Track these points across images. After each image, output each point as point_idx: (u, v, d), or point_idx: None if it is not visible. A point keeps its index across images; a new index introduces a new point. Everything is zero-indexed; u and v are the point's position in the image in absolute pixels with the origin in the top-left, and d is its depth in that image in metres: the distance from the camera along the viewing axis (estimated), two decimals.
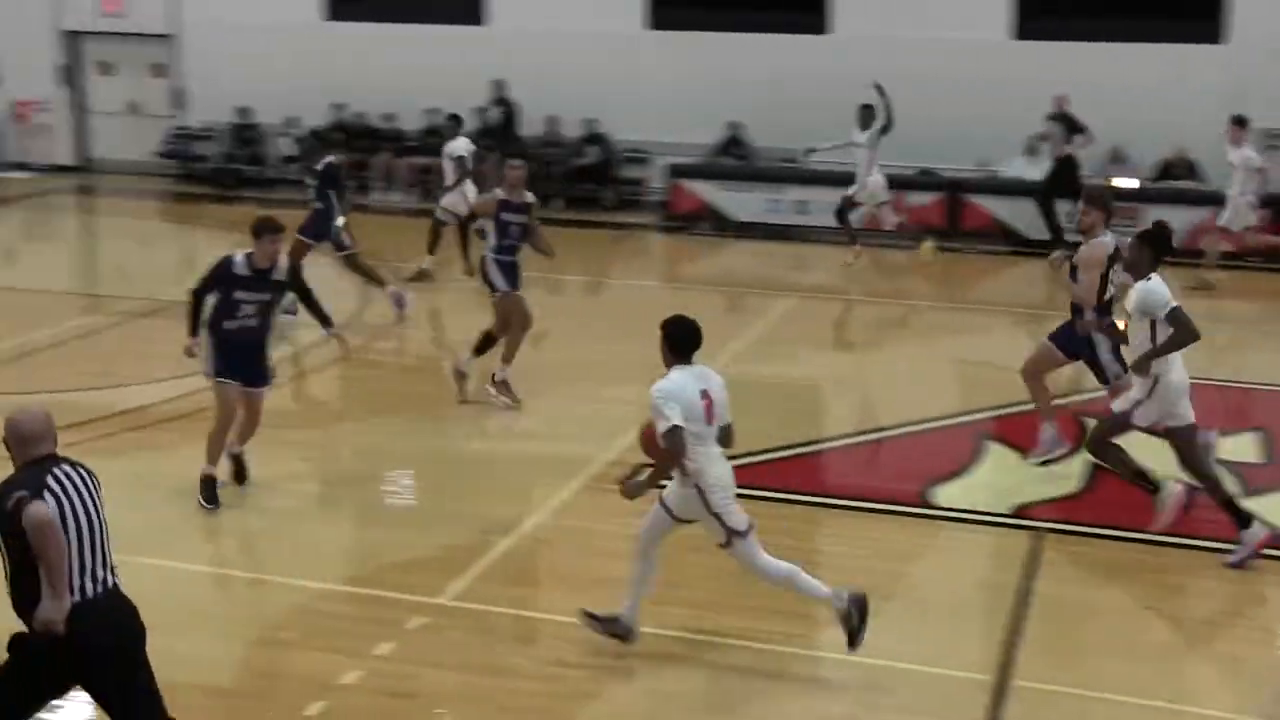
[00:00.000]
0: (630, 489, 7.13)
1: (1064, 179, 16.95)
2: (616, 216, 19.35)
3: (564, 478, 9.69)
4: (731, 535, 7.03)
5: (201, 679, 6.97)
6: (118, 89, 22.56)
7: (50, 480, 5.34)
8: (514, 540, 8.75)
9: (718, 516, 6.98)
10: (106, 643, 5.43)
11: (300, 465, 10.19)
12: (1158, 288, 8.32)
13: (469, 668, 7.17)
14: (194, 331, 9.06)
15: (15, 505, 5.20)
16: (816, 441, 10.75)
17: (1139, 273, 8.45)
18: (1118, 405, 8.68)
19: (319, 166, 13.80)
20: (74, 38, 22.41)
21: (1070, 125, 17.33)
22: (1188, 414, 8.42)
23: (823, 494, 9.75)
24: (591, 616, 7.30)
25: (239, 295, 8.91)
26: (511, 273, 11.35)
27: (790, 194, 18.51)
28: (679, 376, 6.91)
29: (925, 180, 18.30)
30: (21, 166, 22.21)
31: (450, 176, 15.83)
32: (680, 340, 7.00)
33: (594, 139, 19.83)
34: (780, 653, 7.37)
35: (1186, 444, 8.46)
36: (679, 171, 19.12)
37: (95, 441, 10.26)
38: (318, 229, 13.59)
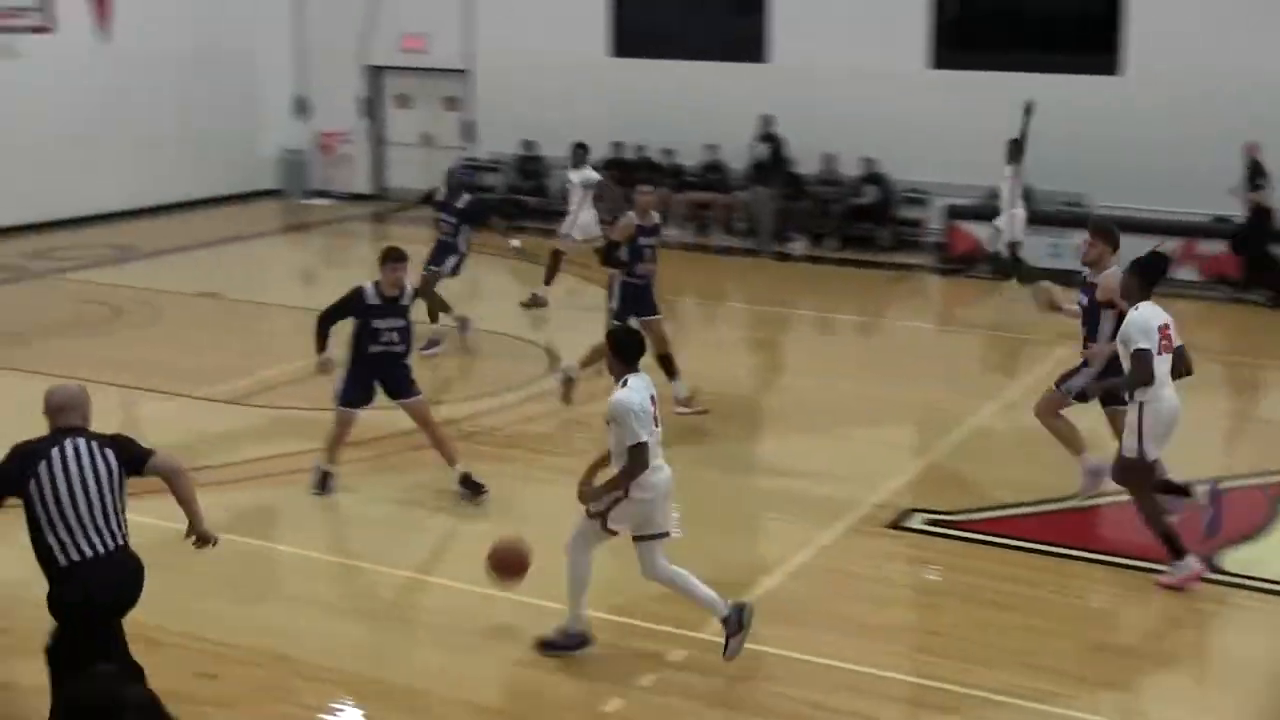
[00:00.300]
0: (590, 496, 7.42)
1: (1262, 228, 16.60)
2: (893, 257, 19.16)
3: (830, 518, 9.62)
4: (648, 534, 7.38)
5: (466, 695, 7.19)
6: (413, 121, 23.60)
7: (56, 448, 6.03)
8: (777, 579, 8.73)
9: (640, 515, 7.33)
10: (104, 598, 6.03)
11: (566, 491, 10.39)
12: (1141, 319, 8.41)
13: (729, 704, 7.17)
14: (322, 348, 9.74)
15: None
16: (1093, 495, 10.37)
17: (1132, 299, 8.58)
18: (1127, 453, 8.59)
19: (461, 204, 14.07)
20: (376, 72, 23.56)
21: (1255, 172, 16.62)
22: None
23: (1100, 550, 9.38)
24: (547, 645, 7.54)
25: (376, 323, 9.58)
26: (640, 297, 11.64)
27: (1074, 238, 17.91)
28: (636, 384, 7.27)
29: (1219, 228, 17.52)
30: (323, 194, 23.43)
31: (574, 204, 16.22)
32: (630, 349, 7.40)
33: (872, 178, 19.67)
34: (1047, 712, 7.14)
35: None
36: (957, 213, 18.81)
37: (381, 459, 10.73)
38: (441, 259, 13.91)
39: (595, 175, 16.54)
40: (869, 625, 7.91)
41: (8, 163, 19.28)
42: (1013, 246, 16.63)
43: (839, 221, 19.71)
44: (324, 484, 9.99)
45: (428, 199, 14.65)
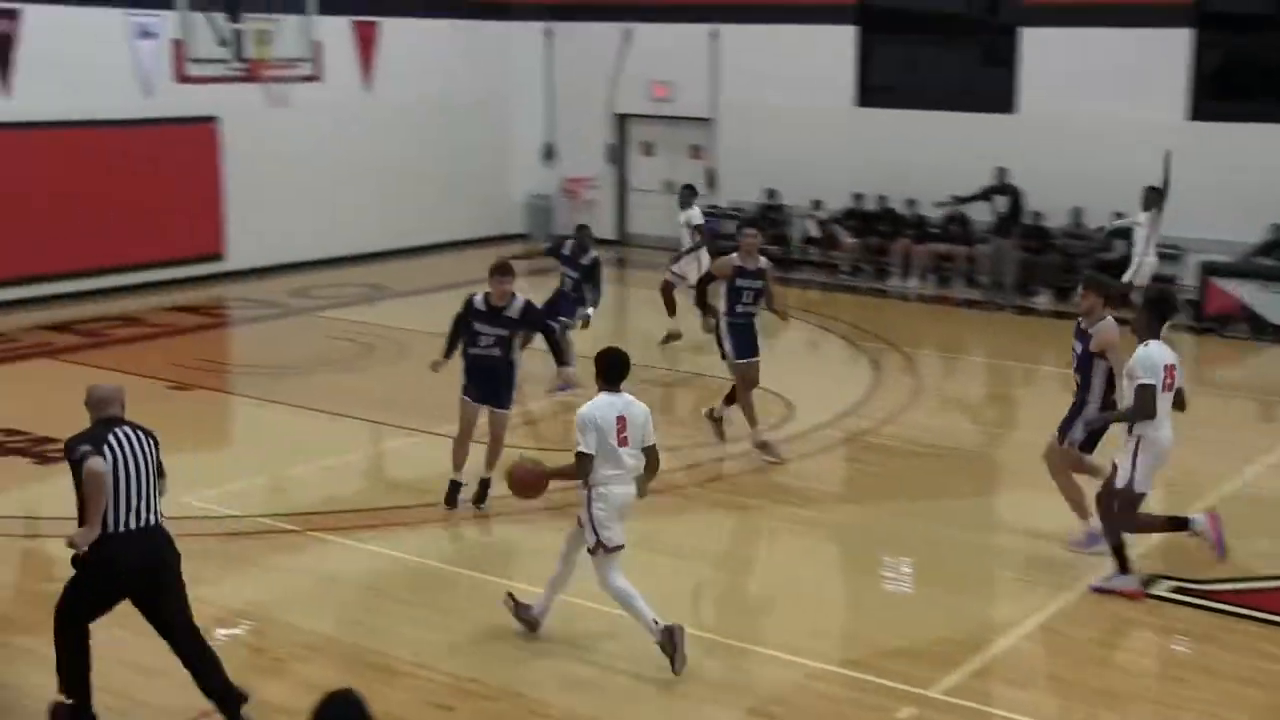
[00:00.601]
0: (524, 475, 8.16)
1: None
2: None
3: (1070, 579, 9.34)
4: (599, 546, 7.86)
5: None
6: (656, 168, 23.95)
7: (111, 437, 6.78)
8: (1011, 640, 8.51)
9: (593, 525, 7.84)
10: (135, 564, 6.81)
11: (806, 542, 10.35)
12: (1149, 355, 8.67)
13: None
14: (447, 354, 10.66)
15: (80, 457, 6.65)
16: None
17: (1142, 337, 8.80)
18: (1119, 483, 8.82)
19: (586, 261, 14.42)
20: (623, 120, 24.02)
21: None
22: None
23: None
24: (513, 598, 8.33)
25: (477, 327, 10.36)
26: (743, 337, 11.83)
27: None
28: (602, 400, 7.84)
29: None
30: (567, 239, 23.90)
31: (686, 243, 16.64)
32: (609, 369, 7.92)
33: (1121, 233, 19.08)
34: None
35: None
36: (1213, 270, 18.09)
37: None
38: (564, 310, 14.15)
39: (699, 217, 16.92)
40: (1104, 693, 7.64)
41: (275, 204, 20.32)
42: (1131, 290, 16.16)
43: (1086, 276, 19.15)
44: (451, 497, 10.56)
45: (553, 251, 15.00)
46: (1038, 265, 19.46)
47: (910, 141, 20.59)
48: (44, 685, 7.23)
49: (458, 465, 10.63)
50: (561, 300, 14.41)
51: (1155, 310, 8.93)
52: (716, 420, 12.26)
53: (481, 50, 23.57)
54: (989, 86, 20.73)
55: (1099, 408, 9.50)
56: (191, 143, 19.37)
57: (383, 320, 17.25)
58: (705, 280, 12.60)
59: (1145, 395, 8.61)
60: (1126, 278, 16.55)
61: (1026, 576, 9.59)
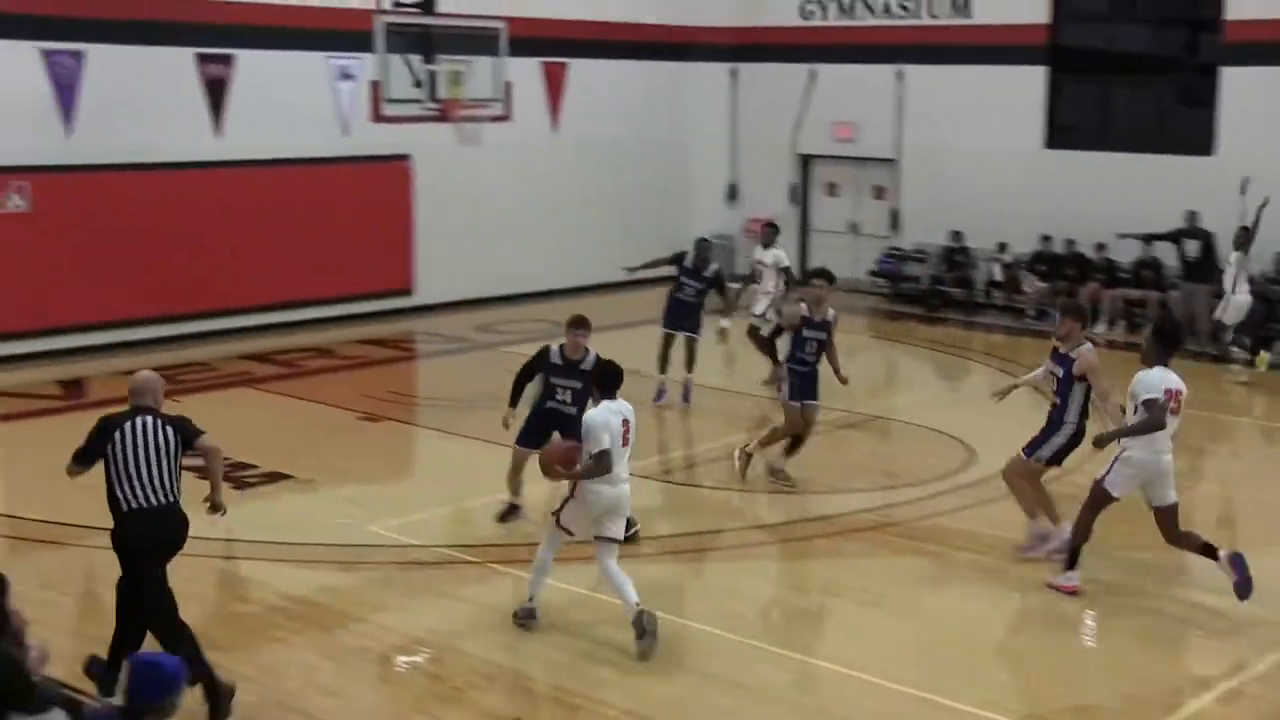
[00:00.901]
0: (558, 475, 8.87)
1: None
2: None
3: (1271, 642, 8.99)
4: (557, 519, 8.88)
5: None
6: (840, 209, 23.87)
7: (128, 421, 7.61)
8: (1204, 703, 8.23)
9: (564, 503, 8.85)
10: (152, 540, 7.54)
11: (986, 591, 10.16)
12: (1149, 377, 9.33)
13: None
14: (513, 404, 10.78)
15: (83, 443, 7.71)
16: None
17: (1148, 363, 9.44)
18: (1098, 476, 9.70)
19: (709, 273, 15.17)
20: (807, 160, 24.01)
21: None
22: (1168, 495, 9.56)
23: None
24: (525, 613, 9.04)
25: (554, 380, 10.57)
26: (804, 384, 12.06)
27: None
28: (606, 407, 8.77)
29: None
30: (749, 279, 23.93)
31: (769, 284, 16.39)
32: (606, 380, 8.91)
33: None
34: None
35: (1167, 517, 9.61)
36: None
37: (785, 544, 10.82)
38: (687, 323, 15.17)
39: (785, 257, 16.68)
40: None
41: (463, 241, 20.80)
42: (1221, 328, 16.93)
43: None
44: (506, 516, 10.99)
45: (675, 261, 15.47)
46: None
47: (1100, 184, 20.18)
48: (242, 701, 7.47)
49: (514, 491, 10.97)
50: (683, 309, 15.21)
51: (1163, 341, 9.58)
52: (778, 473, 12.22)
53: (666, 91, 23.83)
54: (1185, 127, 20.21)
55: (1075, 428, 10.33)
56: (386, 180, 19.99)
57: None
58: (776, 333, 12.62)
59: (1154, 408, 9.25)
60: (1216, 315, 17.00)
61: (1222, 637, 9.26)
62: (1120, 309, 19.86)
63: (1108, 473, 9.62)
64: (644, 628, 8.54)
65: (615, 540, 8.86)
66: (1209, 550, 9.65)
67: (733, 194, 24.66)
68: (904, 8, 22.46)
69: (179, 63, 17.80)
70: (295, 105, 18.73)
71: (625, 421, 8.79)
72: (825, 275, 12.47)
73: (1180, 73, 21.09)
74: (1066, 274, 20.53)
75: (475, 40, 18.24)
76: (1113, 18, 21.43)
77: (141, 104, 17.37)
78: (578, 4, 22.05)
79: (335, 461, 12.68)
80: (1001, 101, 21.42)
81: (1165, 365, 9.43)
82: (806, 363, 12.11)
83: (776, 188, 24.11)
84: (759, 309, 16.38)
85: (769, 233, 17.08)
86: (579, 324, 10.62)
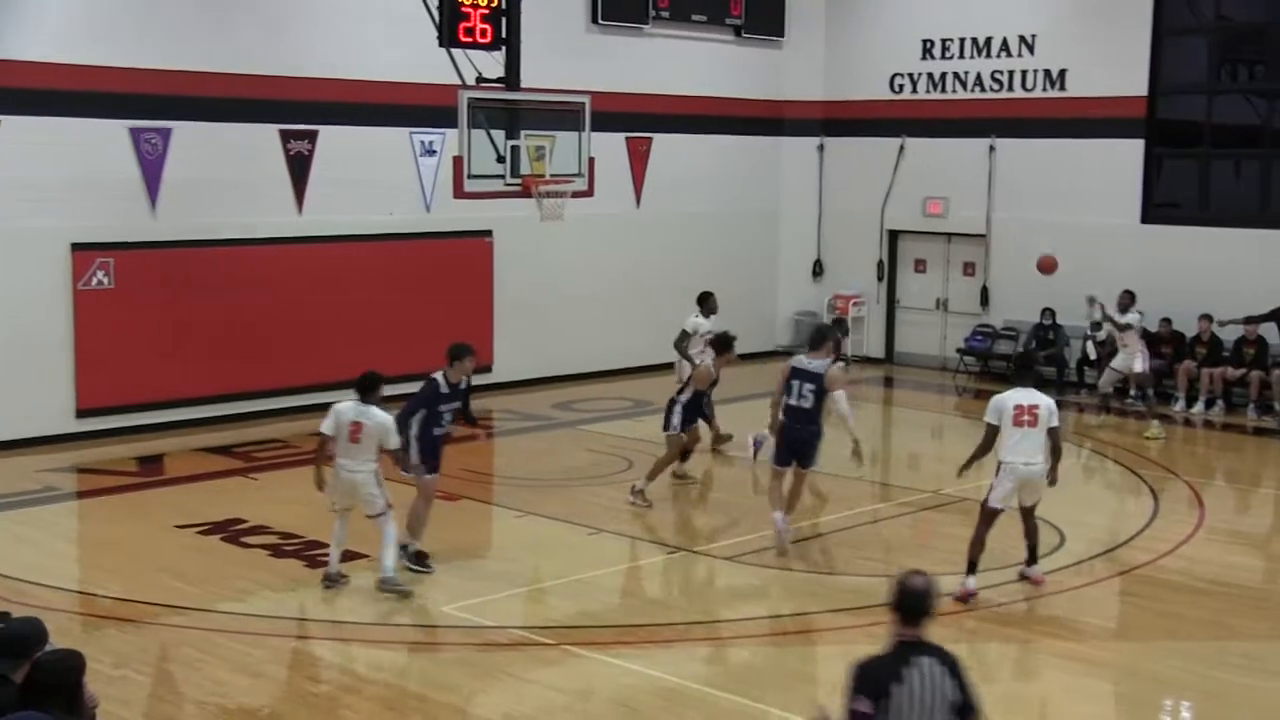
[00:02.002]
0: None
1: None
2: None
3: None
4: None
5: None
6: (928, 285, 23.90)
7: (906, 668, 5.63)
8: None
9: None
10: None
11: (1076, 681, 10.09)
12: (992, 401, 11.42)
13: None
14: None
15: None
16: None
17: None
18: (985, 495, 11.52)
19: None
20: (895, 236, 24.12)
21: None
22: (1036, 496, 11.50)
23: None
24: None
25: (442, 407, 12.12)
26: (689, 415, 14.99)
27: None
28: (344, 408, 11.36)
29: None
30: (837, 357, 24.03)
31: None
32: (363, 386, 11.32)
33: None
34: None
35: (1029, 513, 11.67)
36: None
37: (867, 627, 10.81)
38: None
39: (707, 325, 17.38)
40: None
41: (543, 317, 21.13)
42: None
43: None
44: (408, 556, 11.99)
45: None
46: None
47: (1198, 258, 20.06)
48: None
49: (415, 534, 12.11)
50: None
51: (1020, 368, 12.17)
52: (637, 493, 14.38)
53: (752, 165, 24.11)
54: None
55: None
56: (467, 256, 20.36)
57: (643, 435, 17.61)
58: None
59: (986, 432, 11.35)
60: None
61: None
62: (1220, 388, 19.65)
63: (990, 491, 11.37)
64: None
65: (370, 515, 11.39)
66: (1033, 553, 11.76)
67: (818, 270, 24.78)
68: (997, 81, 22.57)
69: (263, 139, 18.33)
70: (378, 181, 19.20)
71: (356, 424, 11.22)
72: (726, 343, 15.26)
73: None
74: (1162, 352, 20.37)
75: (559, 115, 18.57)
76: (1212, 89, 21.37)
77: (225, 180, 17.89)
78: (661, 79, 22.41)
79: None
80: (1095, 175, 21.43)
81: (1025, 387, 11.36)
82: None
83: (863, 264, 24.21)
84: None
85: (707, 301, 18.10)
86: (467, 352, 12.31)
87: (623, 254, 22.29)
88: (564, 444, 17.81)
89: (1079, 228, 21.39)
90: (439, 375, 12.26)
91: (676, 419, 14.76)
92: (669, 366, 22.36)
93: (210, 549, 12.81)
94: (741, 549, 12.88)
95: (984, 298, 22.89)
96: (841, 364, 13.22)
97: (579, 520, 13.76)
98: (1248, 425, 19.05)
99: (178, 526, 13.43)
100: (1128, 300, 18.70)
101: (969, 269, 23.31)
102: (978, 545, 11.42)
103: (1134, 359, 18.50)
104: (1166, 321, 20.36)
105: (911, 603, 5.83)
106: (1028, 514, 11.65)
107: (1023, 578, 11.85)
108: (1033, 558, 11.84)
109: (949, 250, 23.62)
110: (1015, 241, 22.26)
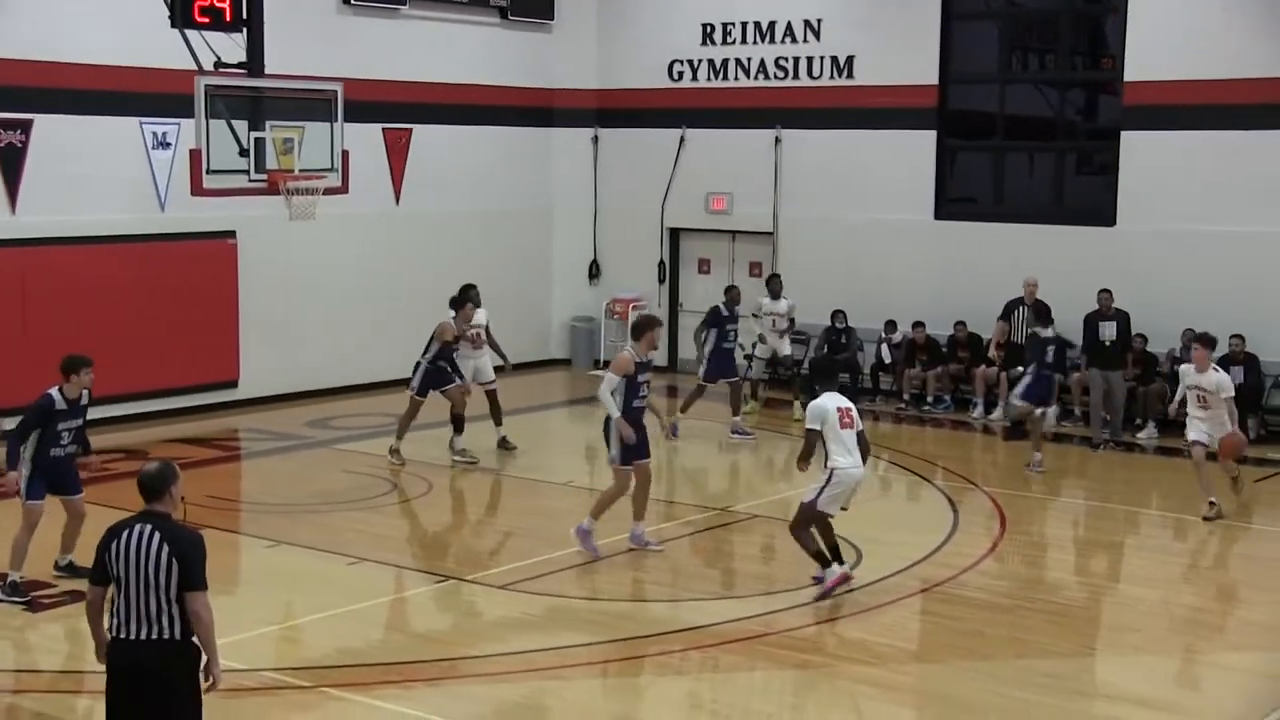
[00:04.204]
0: None
1: None
2: (1263, 451, 18.15)
3: None
4: None
5: None
6: (712, 286, 24.12)
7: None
8: None
9: None
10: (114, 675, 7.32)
11: (874, 706, 10.27)
12: (811, 407, 12.11)
13: None
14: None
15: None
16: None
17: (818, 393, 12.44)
18: (805, 498, 12.19)
19: (740, 313, 19.16)
20: (676, 234, 24.39)
21: None
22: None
23: None
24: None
25: (60, 425, 12.07)
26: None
27: None
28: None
29: None
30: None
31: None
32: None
33: (1240, 359, 18.72)
34: None
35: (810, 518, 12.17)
36: None
37: (655, 657, 10.82)
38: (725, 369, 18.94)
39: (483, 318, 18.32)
40: None
41: (294, 327, 20.73)
42: None
43: None
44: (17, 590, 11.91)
45: (712, 321, 19.06)
46: (1146, 396, 19.31)
47: (994, 257, 20.72)
48: None
49: (17, 564, 12.00)
50: (727, 356, 18.97)
51: (821, 374, 12.84)
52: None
53: (522, 159, 24.08)
54: (1084, 197, 20.90)
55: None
56: (207, 259, 19.82)
57: (407, 454, 17.37)
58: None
59: (808, 439, 12.07)
60: None
61: None
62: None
63: (817, 494, 11.98)
64: None
65: None
66: (833, 555, 12.16)
67: (594, 272, 24.87)
68: (782, 68, 22.93)
69: None
70: (104, 176, 18.56)
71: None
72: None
73: (1079, 139, 21.89)
74: (959, 356, 20.96)
75: (308, 105, 18.24)
76: (1004, 78, 22.06)
77: None
78: (420, 65, 22.21)
79: None
80: (888, 169, 21.96)
81: (830, 390, 12.14)
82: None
83: (642, 265, 24.38)
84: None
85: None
86: (84, 364, 12.21)
87: (381, 256, 22.02)
88: (319, 465, 17.48)
89: (871, 225, 21.91)
90: (54, 390, 12.07)
91: (417, 380, 16.85)
92: None
93: None
94: (516, 575, 12.79)
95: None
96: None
97: (337, 549, 13.49)
98: (1045, 431, 19.65)
99: None
100: (778, 286, 20.68)
101: (755, 269, 23.66)
102: (811, 540, 12.11)
103: (783, 343, 20.54)
104: (961, 324, 20.93)
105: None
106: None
107: (817, 581, 12.21)
108: (836, 556, 12.23)
109: (734, 249, 23.95)
110: (804, 239, 22.70)
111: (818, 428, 11.95)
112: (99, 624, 7.52)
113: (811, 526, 12.12)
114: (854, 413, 12.14)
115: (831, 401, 12.02)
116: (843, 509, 12.21)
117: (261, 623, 11.55)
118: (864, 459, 12.17)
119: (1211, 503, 15.03)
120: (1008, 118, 21.95)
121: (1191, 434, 15.26)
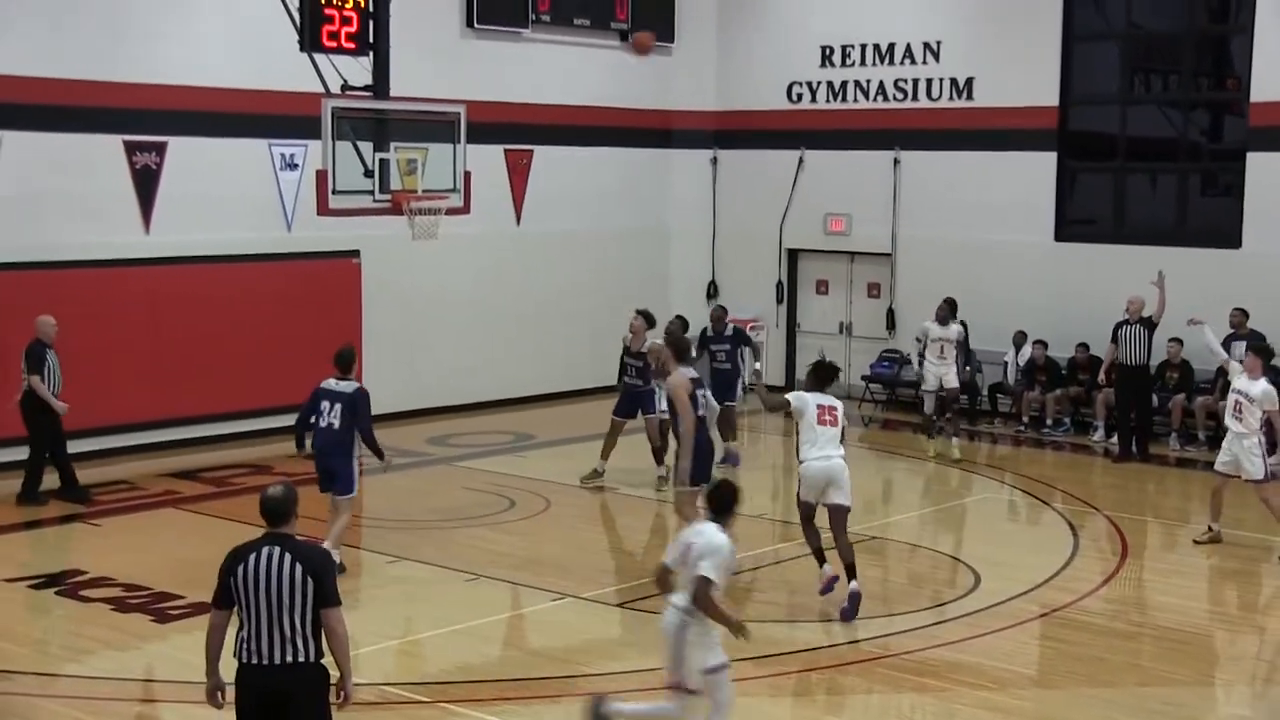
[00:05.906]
0: None
1: None
2: None
3: None
4: None
5: None
6: (831, 308, 24.00)
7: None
8: None
9: None
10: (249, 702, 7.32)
11: None
12: (801, 394, 12.59)
13: None
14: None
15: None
16: None
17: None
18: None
19: (729, 332, 18.36)
20: (794, 255, 24.27)
21: None
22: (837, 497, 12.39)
23: None
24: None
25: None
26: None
27: None
28: None
29: None
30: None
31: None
32: None
33: None
34: None
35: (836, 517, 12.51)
36: None
37: (771, 678, 10.73)
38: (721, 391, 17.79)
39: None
40: None
41: (417, 344, 20.90)
42: None
43: None
44: None
45: (702, 341, 18.26)
46: None
47: (1115, 279, 20.35)
48: None
49: None
50: (721, 378, 18.01)
51: (816, 375, 12.74)
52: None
53: (641, 180, 24.09)
54: (1208, 219, 20.49)
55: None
56: (333, 279, 20.05)
57: (526, 471, 17.43)
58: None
59: (780, 400, 12.93)
60: None
61: None
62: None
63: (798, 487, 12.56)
64: None
65: None
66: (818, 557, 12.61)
67: (712, 292, 24.80)
68: (901, 90, 22.77)
69: (104, 151, 17.90)
70: (235, 197, 18.87)
71: None
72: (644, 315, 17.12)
73: (1203, 160, 21.46)
74: (1079, 379, 20.60)
75: (431, 126, 18.40)
76: (1125, 100, 21.71)
77: (61, 196, 17.45)
78: (541, 87, 22.33)
79: None
80: (1007, 190, 21.68)
81: (818, 391, 12.49)
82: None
83: (760, 285, 24.28)
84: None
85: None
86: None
87: (502, 275, 22.13)
88: (440, 482, 17.58)
89: (990, 246, 21.65)
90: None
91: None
92: (554, 397, 22.33)
93: (44, 604, 12.42)
94: (633, 594, 12.76)
95: (890, 321, 23.05)
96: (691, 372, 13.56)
97: (456, 565, 13.55)
98: (1169, 456, 19.30)
99: (6, 580, 13.01)
100: (947, 311, 19.11)
101: (874, 290, 23.48)
102: (813, 537, 12.66)
103: (949, 372, 18.98)
104: (1083, 347, 20.59)
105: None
106: (837, 519, 12.45)
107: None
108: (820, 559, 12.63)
109: (852, 270, 23.78)
110: (922, 261, 22.47)
111: (793, 403, 12.41)
112: (218, 647, 7.53)
113: (808, 523, 12.60)
114: (838, 412, 12.44)
115: (815, 398, 12.41)
116: (835, 504, 12.39)
117: (381, 638, 11.63)
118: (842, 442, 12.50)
119: (1210, 528, 14.88)
120: (1129, 139, 21.59)
121: (1218, 460, 15.06)
